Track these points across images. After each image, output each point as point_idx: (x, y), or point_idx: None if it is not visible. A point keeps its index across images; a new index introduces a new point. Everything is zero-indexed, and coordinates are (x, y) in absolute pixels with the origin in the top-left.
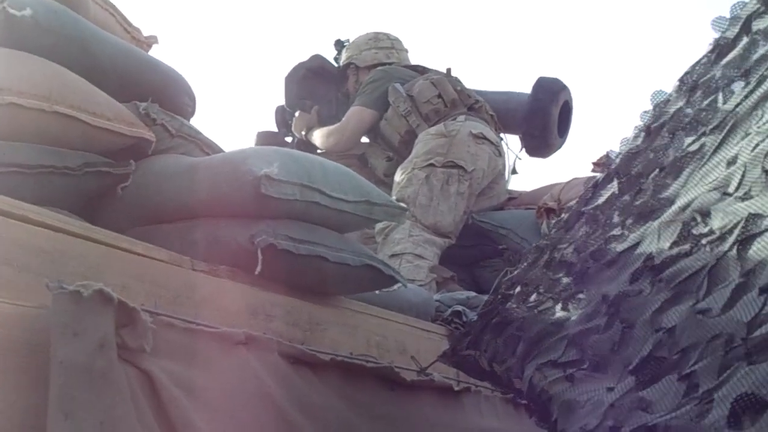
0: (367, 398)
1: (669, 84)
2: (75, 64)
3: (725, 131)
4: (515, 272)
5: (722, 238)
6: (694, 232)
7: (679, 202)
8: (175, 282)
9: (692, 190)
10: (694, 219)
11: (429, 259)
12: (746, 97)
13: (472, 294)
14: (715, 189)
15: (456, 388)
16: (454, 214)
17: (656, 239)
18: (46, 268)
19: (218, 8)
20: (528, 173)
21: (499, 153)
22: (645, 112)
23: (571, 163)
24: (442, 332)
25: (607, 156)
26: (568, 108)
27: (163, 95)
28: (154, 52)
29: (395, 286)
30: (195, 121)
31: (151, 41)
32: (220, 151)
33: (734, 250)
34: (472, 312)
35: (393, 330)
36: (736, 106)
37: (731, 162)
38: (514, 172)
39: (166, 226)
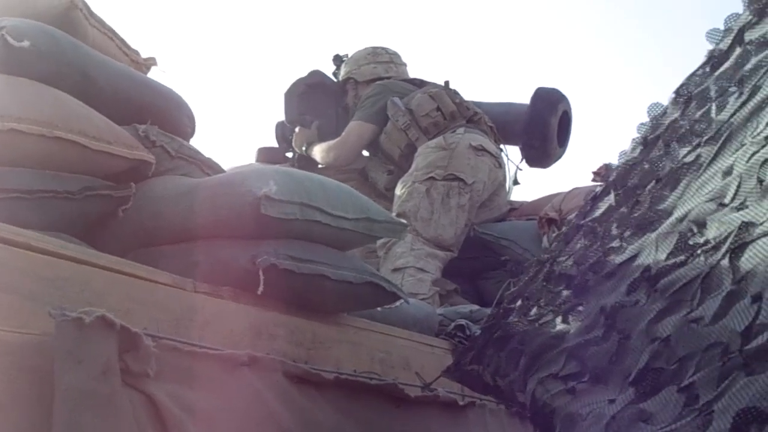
0: (372, 416)
1: (666, 95)
2: (74, 89)
3: (720, 142)
4: (517, 286)
5: (716, 247)
6: (690, 242)
7: (677, 213)
8: (177, 305)
9: (689, 201)
10: (690, 230)
11: (431, 272)
12: (740, 107)
13: (476, 307)
14: (711, 200)
15: (461, 403)
16: (456, 227)
17: (654, 250)
18: (48, 295)
19: (217, 26)
20: (529, 184)
21: (499, 164)
22: (642, 124)
23: (572, 172)
24: (446, 347)
25: (606, 167)
26: (567, 118)
27: (162, 117)
28: (153, 74)
29: (397, 303)
30: (195, 140)
31: (149, 63)
32: (221, 170)
33: (727, 259)
34: (476, 326)
35: (397, 346)
36: (731, 116)
37: (727, 173)
38: (515, 182)
39: (167, 248)
